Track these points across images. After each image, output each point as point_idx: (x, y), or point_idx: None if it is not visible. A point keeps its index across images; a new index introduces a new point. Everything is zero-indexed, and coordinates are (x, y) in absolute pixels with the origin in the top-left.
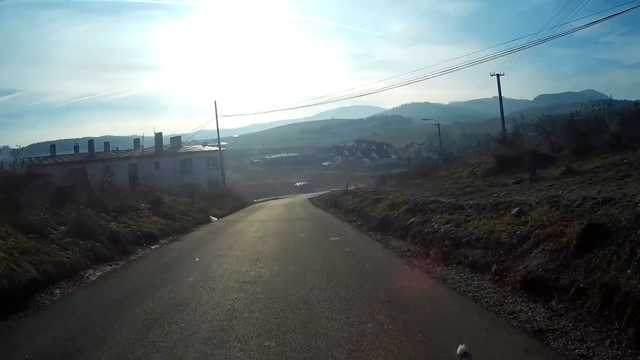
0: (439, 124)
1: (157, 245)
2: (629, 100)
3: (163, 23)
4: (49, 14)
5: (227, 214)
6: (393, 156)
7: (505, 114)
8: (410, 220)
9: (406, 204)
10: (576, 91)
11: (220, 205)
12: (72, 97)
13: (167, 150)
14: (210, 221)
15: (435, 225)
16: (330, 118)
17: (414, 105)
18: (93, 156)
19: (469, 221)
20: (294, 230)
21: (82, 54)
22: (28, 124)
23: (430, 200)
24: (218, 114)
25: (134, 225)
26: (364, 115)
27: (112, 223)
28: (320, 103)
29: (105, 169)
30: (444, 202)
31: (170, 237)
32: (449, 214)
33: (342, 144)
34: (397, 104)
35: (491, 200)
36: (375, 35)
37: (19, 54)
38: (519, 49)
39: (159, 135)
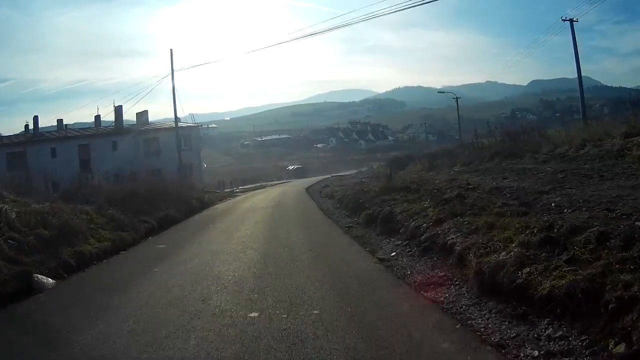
0: (457, 98)
1: None
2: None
3: (156, 8)
4: (42, 1)
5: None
6: (390, 138)
7: (498, 99)
8: None
9: None
10: (570, 77)
11: (146, 212)
12: (64, 84)
13: (128, 128)
14: None
15: None
16: (323, 101)
17: (407, 89)
18: (37, 136)
19: None
20: None
21: (75, 41)
22: (20, 112)
23: None
24: (174, 68)
25: None
26: (356, 98)
27: None
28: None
29: (51, 151)
30: None
31: None
32: None
33: (336, 126)
34: (389, 88)
35: None
36: (365, 19)
37: (11, 43)
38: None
39: (118, 110)
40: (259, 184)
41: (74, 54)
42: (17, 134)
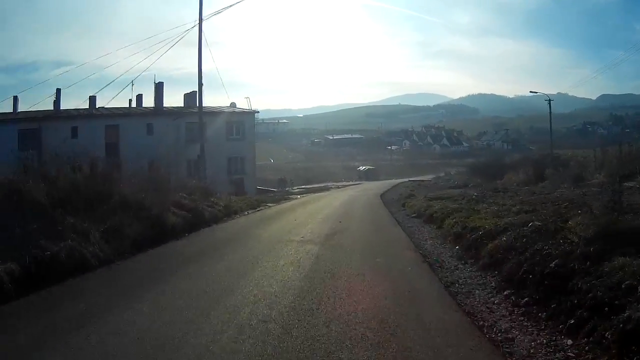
0: (549, 100)
1: None
2: None
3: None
4: None
5: None
6: (465, 144)
7: (567, 111)
8: None
9: None
10: (637, 93)
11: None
12: (132, 71)
13: (168, 109)
14: None
15: None
16: (397, 104)
17: (480, 96)
18: (57, 112)
19: None
20: None
21: (142, 27)
22: (83, 96)
23: None
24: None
25: None
26: (430, 103)
27: None
28: None
29: (72, 131)
30: None
31: None
32: None
33: (410, 129)
34: (463, 94)
35: None
36: (441, 24)
37: (77, 26)
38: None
39: (159, 88)
40: (324, 185)
41: (141, 40)
42: (31, 110)
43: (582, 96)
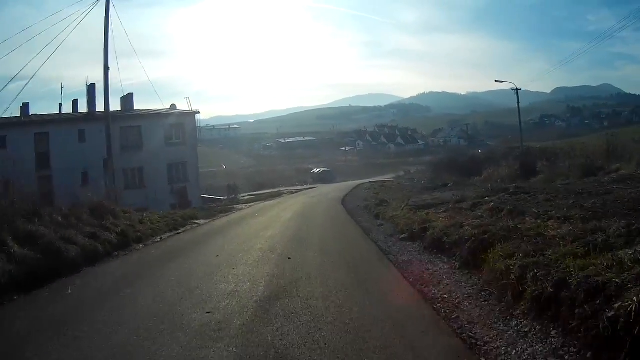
0: (517, 89)
1: None
2: None
3: (174, 9)
4: None
5: None
6: (420, 142)
7: (522, 105)
8: None
9: None
10: (593, 85)
11: None
12: (81, 83)
13: (100, 114)
14: None
15: None
16: (348, 105)
17: (432, 95)
18: None
19: None
20: None
21: (93, 40)
22: (38, 111)
23: None
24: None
25: None
26: (381, 103)
27: None
28: None
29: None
30: None
31: None
32: None
33: (363, 129)
34: (414, 93)
35: None
36: (387, 23)
37: (28, 41)
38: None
39: (91, 90)
40: (276, 190)
41: (91, 52)
42: None
43: (536, 90)
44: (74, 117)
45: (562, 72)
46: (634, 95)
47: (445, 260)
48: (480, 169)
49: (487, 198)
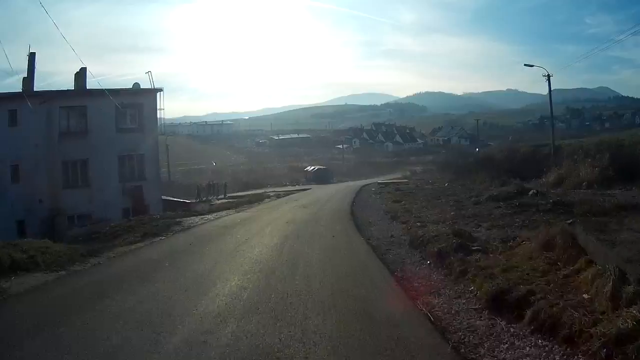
0: (549, 75)
1: None
2: None
3: (173, 5)
4: None
5: None
6: (419, 141)
7: (519, 107)
8: None
9: None
10: (590, 87)
11: None
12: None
13: (40, 94)
14: None
15: None
16: (344, 104)
17: (428, 94)
18: None
19: None
20: None
21: (91, 36)
22: None
23: None
24: None
25: None
26: (377, 102)
27: None
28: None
29: None
30: None
31: None
32: None
33: (359, 127)
34: (410, 93)
35: None
36: (385, 23)
37: (26, 35)
38: None
39: (30, 60)
40: (262, 191)
41: (89, 48)
42: None
43: (533, 92)
44: (3, 95)
45: (559, 74)
46: (633, 98)
47: None
48: (540, 169)
49: None
